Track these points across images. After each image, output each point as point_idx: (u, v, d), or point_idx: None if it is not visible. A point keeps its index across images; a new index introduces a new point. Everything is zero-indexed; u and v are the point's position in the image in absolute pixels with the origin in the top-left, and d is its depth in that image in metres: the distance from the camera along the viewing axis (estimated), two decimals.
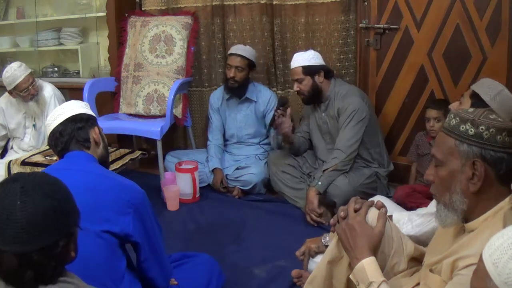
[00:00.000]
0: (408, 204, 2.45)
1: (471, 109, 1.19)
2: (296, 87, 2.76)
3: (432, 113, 2.63)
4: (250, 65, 3.11)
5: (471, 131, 1.14)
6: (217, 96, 3.29)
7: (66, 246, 0.99)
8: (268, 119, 3.15)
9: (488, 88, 1.78)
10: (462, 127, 1.16)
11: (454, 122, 1.18)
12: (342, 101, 2.69)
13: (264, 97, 3.18)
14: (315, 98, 2.78)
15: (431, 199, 2.50)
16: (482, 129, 1.13)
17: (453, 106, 1.92)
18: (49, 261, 0.95)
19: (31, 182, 0.97)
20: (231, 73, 3.06)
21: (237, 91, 3.12)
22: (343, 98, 2.70)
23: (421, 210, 1.90)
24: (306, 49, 2.85)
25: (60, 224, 0.97)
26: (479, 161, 1.13)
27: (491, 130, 1.12)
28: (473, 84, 1.86)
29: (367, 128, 2.68)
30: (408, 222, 1.79)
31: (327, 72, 2.76)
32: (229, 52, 3.14)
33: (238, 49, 3.10)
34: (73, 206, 1.03)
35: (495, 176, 1.14)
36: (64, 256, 1.00)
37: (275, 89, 3.33)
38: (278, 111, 2.75)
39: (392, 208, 2.21)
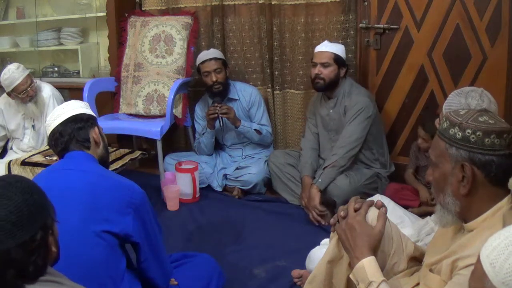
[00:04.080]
0: (399, 201, 2.45)
1: (463, 111, 1.20)
2: (317, 70, 2.72)
3: (421, 132, 2.63)
4: (225, 64, 3.14)
5: (458, 134, 1.15)
6: (201, 105, 3.31)
7: (44, 240, 0.99)
8: (252, 113, 3.19)
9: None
10: (451, 131, 1.17)
11: (445, 125, 1.19)
12: (350, 99, 2.72)
13: (246, 93, 3.20)
14: (329, 87, 2.76)
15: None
16: (468, 132, 1.14)
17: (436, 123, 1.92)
18: (29, 257, 0.95)
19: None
20: (212, 78, 3.06)
21: (222, 93, 3.11)
22: (351, 97, 2.73)
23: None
24: (327, 41, 2.82)
25: (34, 218, 0.97)
26: (467, 165, 1.13)
27: (477, 133, 1.13)
28: (446, 108, 1.82)
29: (372, 128, 2.70)
30: None
31: (346, 70, 2.80)
32: (199, 61, 3.13)
33: (207, 54, 3.12)
34: (45, 199, 1.03)
35: (485, 179, 1.14)
36: (44, 251, 1.00)
37: (270, 89, 3.33)
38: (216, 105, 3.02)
39: (391, 207, 2.22)
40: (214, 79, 3.06)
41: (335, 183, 2.64)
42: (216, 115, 3.02)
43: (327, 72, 2.71)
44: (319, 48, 2.78)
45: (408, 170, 2.80)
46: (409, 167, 2.81)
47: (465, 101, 1.77)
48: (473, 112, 1.18)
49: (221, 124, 3.07)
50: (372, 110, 2.69)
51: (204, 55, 3.13)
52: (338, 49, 2.75)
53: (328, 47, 2.75)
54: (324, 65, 2.71)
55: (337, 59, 2.72)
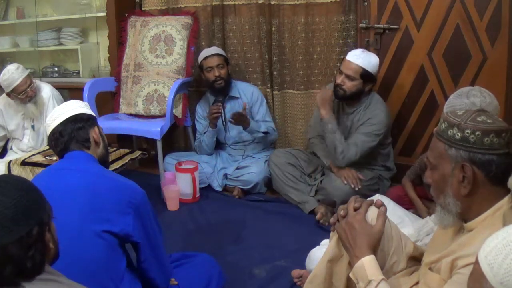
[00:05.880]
0: (402, 205, 2.43)
1: (461, 112, 1.20)
2: (340, 80, 2.62)
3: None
4: (227, 61, 3.18)
5: (457, 135, 1.15)
6: (203, 104, 3.33)
7: (41, 236, 1.00)
8: (254, 111, 3.20)
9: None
10: (450, 132, 1.17)
11: (443, 126, 1.19)
12: (371, 115, 2.64)
13: (247, 92, 3.22)
14: (349, 99, 2.68)
15: (428, 200, 2.52)
16: (467, 133, 1.14)
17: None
18: (26, 252, 0.96)
19: None
20: (215, 73, 3.11)
21: (224, 90, 3.14)
22: (372, 113, 2.64)
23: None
24: (362, 50, 2.68)
25: (30, 213, 0.98)
26: (467, 165, 1.14)
27: (477, 133, 1.13)
28: (447, 109, 1.80)
29: (382, 138, 2.66)
30: None
31: (373, 85, 2.70)
32: (202, 58, 3.16)
33: (210, 50, 3.17)
34: (41, 197, 1.05)
35: (485, 178, 1.14)
36: (41, 246, 1.00)
37: (269, 89, 3.33)
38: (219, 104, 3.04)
39: (391, 207, 2.22)
40: (217, 73, 3.10)
41: (335, 183, 2.64)
42: (219, 114, 3.03)
43: (349, 85, 2.61)
44: (350, 57, 2.62)
45: (406, 178, 2.60)
46: (409, 174, 2.61)
47: (468, 100, 1.77)
48: (471, 112, 1.18)
49: (224, 123, 3.08)
50: (384, 131, 2.63)
51: (207, 51, 3.17)
52: (369, 63, 2.59)
53: (359, 60, 2.58)
54: (349, 77, 2.60)
55: (364, 74, 2.58)
